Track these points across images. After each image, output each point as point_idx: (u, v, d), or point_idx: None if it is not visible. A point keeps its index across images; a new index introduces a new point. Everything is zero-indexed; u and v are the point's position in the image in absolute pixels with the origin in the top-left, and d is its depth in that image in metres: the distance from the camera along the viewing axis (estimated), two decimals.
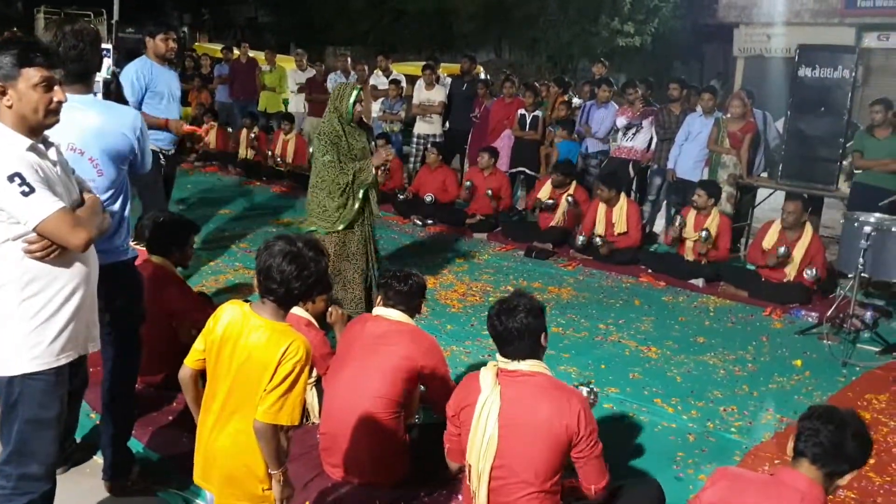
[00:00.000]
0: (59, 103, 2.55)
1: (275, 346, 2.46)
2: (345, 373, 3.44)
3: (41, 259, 2.48)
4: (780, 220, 6.79)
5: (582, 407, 2.75)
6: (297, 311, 3.72)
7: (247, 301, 2.70)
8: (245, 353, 2.51)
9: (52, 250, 2.48)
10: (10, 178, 2.37)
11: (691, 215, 7.36)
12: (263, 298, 2.56)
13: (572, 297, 6.54)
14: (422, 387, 3.59)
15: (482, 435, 2.74)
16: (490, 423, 2.73)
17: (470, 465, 2.81)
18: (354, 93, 5.20)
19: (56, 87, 2.54)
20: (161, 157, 5.62)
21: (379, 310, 3.62)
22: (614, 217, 7.68)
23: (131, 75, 5.52)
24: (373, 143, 5.98)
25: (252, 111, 12.28)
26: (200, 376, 2.71)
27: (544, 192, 8.31)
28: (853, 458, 2.39)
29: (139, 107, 5.41)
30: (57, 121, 2.58)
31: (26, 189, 2.38)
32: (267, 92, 12.79)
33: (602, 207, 7.75)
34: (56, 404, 2.63)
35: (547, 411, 2.72)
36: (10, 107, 2.48)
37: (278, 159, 10.92)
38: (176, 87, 5.79)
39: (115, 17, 17.90)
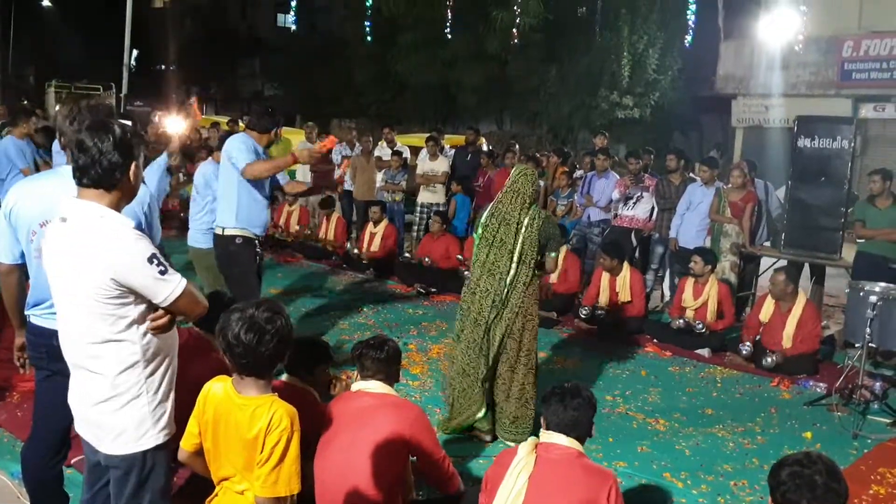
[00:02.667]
0: None
1: (258, 421, 2.48)
2: (333, 453, 3.28)
3: (163, 333, 2.55)
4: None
5: (614, 485, 2.80)
6: (297, 382, 3.66)
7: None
8: (234, 433, 2.52)
9: (172, 324, 2.57)
10: (150, 260, 2.42)
11: (689, 283, 7.37)
12: (241, 375, 2.55)
13: (578, 368, 6.48)
14: (413, 458, 3.47)
15: (510, 489, 2.80)
16: (520, 481, 2.80)
17: None
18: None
19: None
20: (257, 244, 5.39)
21: (358, 384, 3.49)
22: (618, 286, 7.67)
23: (251, 147, 5.27)
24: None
25: None
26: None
27: None
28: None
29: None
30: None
31: (163, 268, 2.45)
32: None
33: (605, 276, 7.75)
34: (171, 472, 2.78)
35: (578, 481, 2.79)
36: (130, 184, 2.55)
37: (280, 229, 11.00)
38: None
39: (125, 90, 18.32)
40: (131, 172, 2.52)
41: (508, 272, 4.69)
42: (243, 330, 2.47)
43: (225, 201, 5.37)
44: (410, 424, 3.33)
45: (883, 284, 5.96)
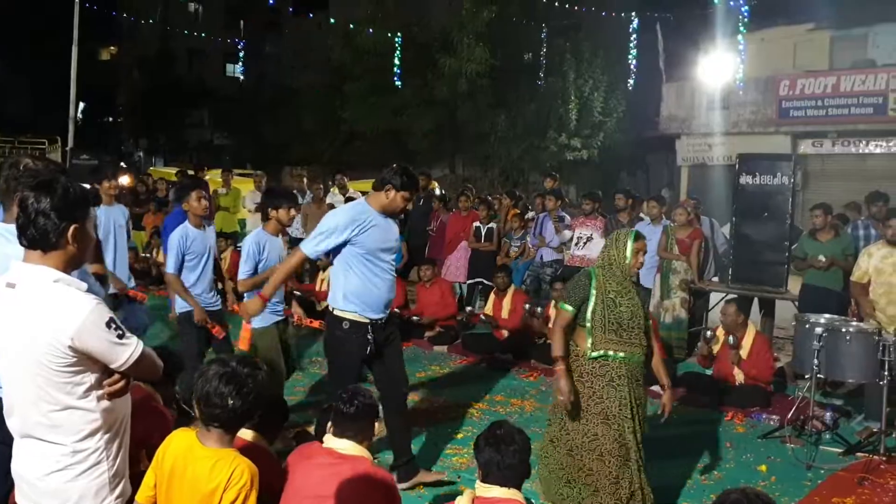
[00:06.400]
0: None
1: (218, 474, 2.45)
2: None
3: (118, 398, 2.46)
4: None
5: None
6: (246, 433, 3.51)
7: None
8: (191, 485, 2.47)
9: (127, 388, 2.48)
10: (108, 324, 2.35)
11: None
12: (208, 426, 2.51)
13: (535, 410, 6.45)
14: None
15: None
16: None
17: None
18: (630, 241, 4.24)
19: None
20: (369, 328, 4.50)
21: (329, 440, 3.10)
22: None
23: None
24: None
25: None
26: None
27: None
28: None
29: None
30: None
31: (121, 332, 2.38)
32: (222, 212, 12.85)
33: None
34: None
35: None
36: (73, 249, 2.39)
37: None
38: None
39: (70, 144, 18.08)
40: (70, 235, 2.35)
41: None
42: (223, 381, 2.48)
43: (335, 275, 4.61)
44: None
45: (828, 316, 6.09)
